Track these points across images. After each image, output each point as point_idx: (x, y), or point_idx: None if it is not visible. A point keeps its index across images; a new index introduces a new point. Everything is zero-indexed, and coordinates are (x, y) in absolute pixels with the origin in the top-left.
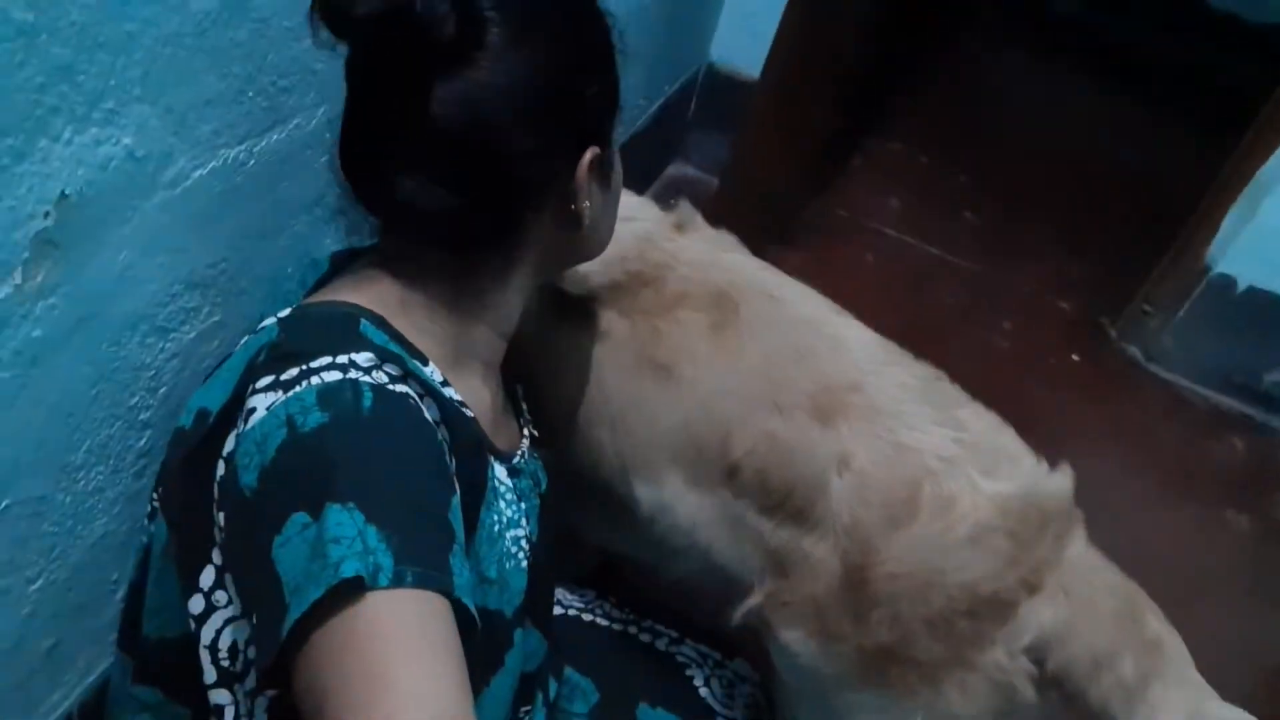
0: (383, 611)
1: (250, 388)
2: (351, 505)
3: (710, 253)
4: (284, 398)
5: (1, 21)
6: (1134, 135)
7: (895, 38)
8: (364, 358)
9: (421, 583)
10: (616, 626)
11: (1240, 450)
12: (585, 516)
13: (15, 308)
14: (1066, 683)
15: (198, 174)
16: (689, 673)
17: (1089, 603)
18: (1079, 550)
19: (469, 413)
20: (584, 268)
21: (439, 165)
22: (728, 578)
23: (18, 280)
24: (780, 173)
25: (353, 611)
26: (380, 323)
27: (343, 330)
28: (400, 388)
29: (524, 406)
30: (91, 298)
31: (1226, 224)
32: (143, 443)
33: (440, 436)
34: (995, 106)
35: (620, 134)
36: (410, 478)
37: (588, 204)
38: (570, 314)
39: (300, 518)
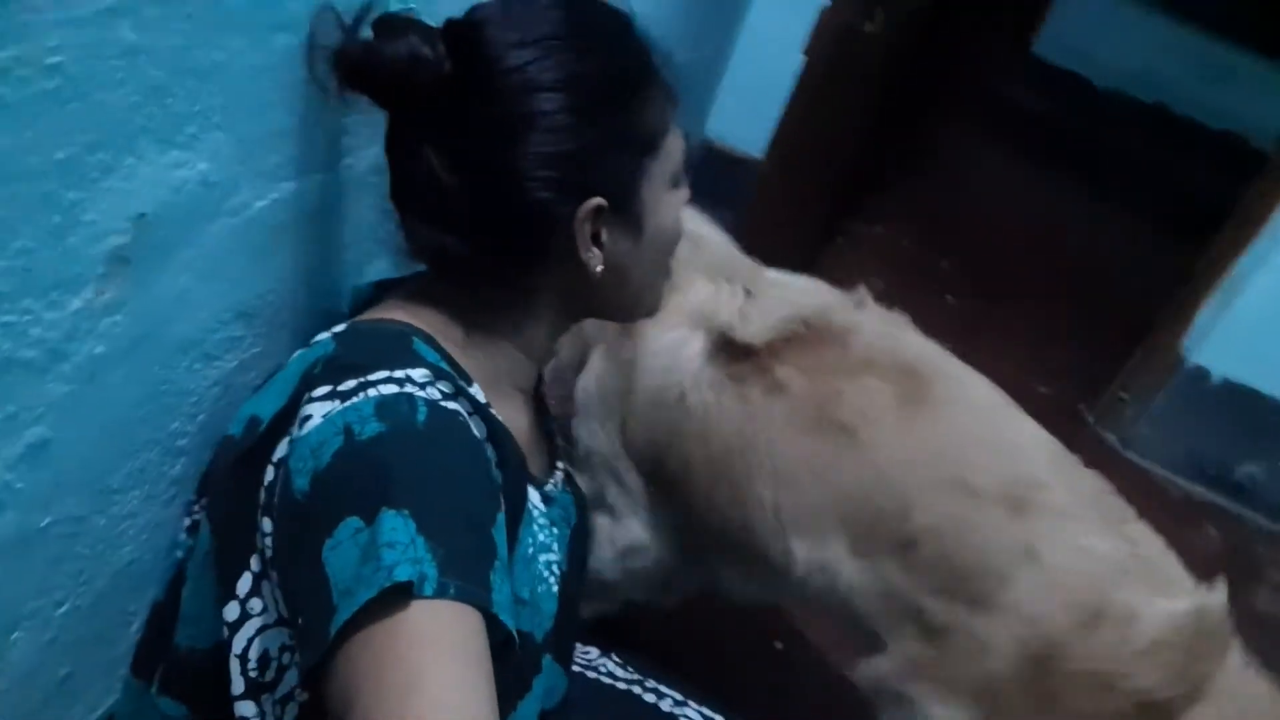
0: (424, 619)
1: (306, 396)
2: (406, 513)
3: (890, 327)
4: (341, 407)
5: (111, 40)
6: (1102, 228)
7: (882, 128)
8: (419, 374)
9: (462, 596)
10: (621, 685)
11: (1216, 539)
12: (721, 566)
13: (83, 322)
14: None
15: (258, 205)
16: None
17: (1244, 715)
18: (1236, 664)
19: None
20: (760, 319)
21: (441, 209)
22: (863, 630)
23: (89, 295)
24: (780, 249)
25: (397, 617)
26: (431, 342)
27: (397, 347)
28: (453, 405)
29: (559, 442)
30: (151, 318)
31: (1201, 317)
32: (176, 469)
33: (488, 453)
34: (973, 197)
35: None
36: (460, 492)
37: (592, 253)
38: (739, 364)
39: (354, 522)
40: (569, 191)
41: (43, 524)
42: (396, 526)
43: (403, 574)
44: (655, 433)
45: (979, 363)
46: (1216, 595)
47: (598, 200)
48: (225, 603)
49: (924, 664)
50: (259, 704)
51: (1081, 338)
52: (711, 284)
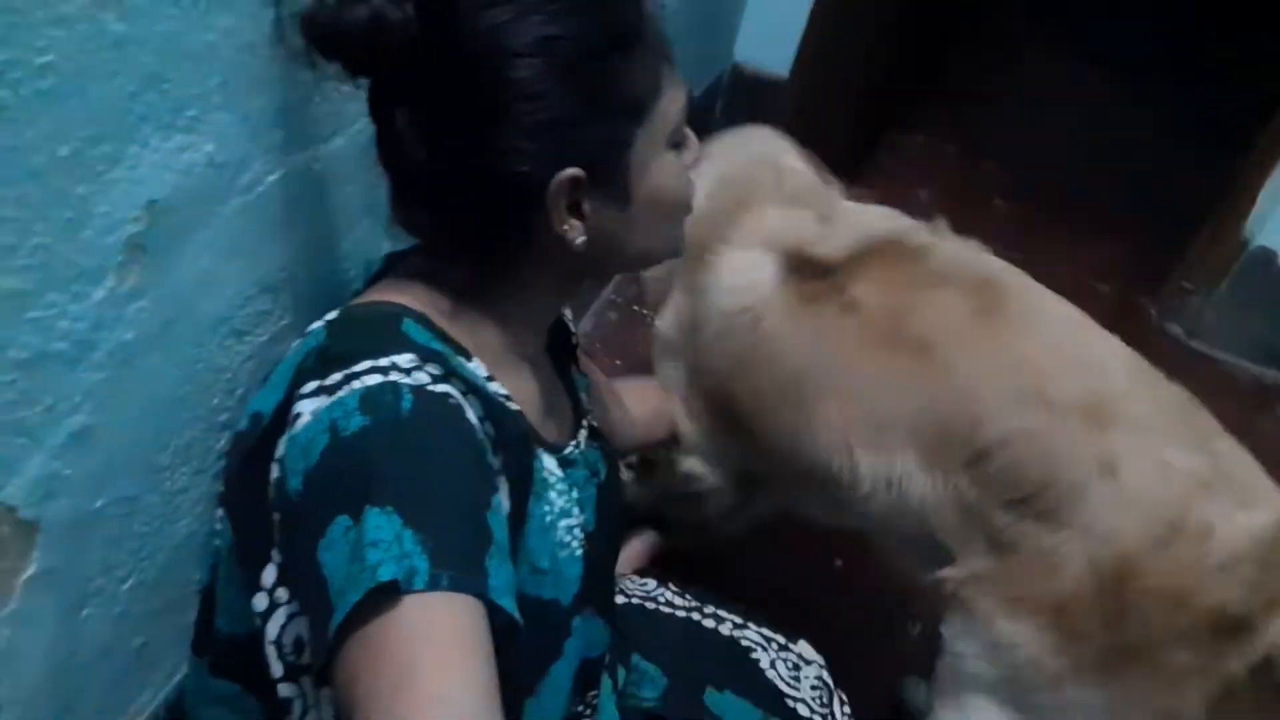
0: (416, 615)
1: (297, 393)
2: (390, 509)
3: (968, 248)
4: (328, 402)
5: (98, 33)
6: (1153, 120)
7: (913, 34)
8: (405, 359)
9: (456, 586)
10: (680, 613)
11: None
12: (789, 489)
13: (109, 310)
14: None
15: (270, 179)
16: (754, 655)
17: None
18: None
19: (514, 406)
20: (836, 240)
21: (415, 181)
22: (933, 547)
23: (111, 284)
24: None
25: (388, 614)
26: (424, 321)
27: (385, 332)
28: (441, 387)
29: (583, 398)
30: (177, 301)
31: (1263, 198)
32: (221, 444)
33: (482, 434)
34: (1014, 97)
35: None
36: (449, 479)
37: (571, 225)
38: (813, 284)
39: (343, 520)
40: (544, 163)
41: (96, 506)
42: (380, 524)
43: (386, 573)
44: (727, 358)
45: (1035, 265)
46: None
47: (573, 172)
48: (253, 594)
49: (992, 578)
50: (299, 684)
51: (1139, 233)
52: (786, 210)
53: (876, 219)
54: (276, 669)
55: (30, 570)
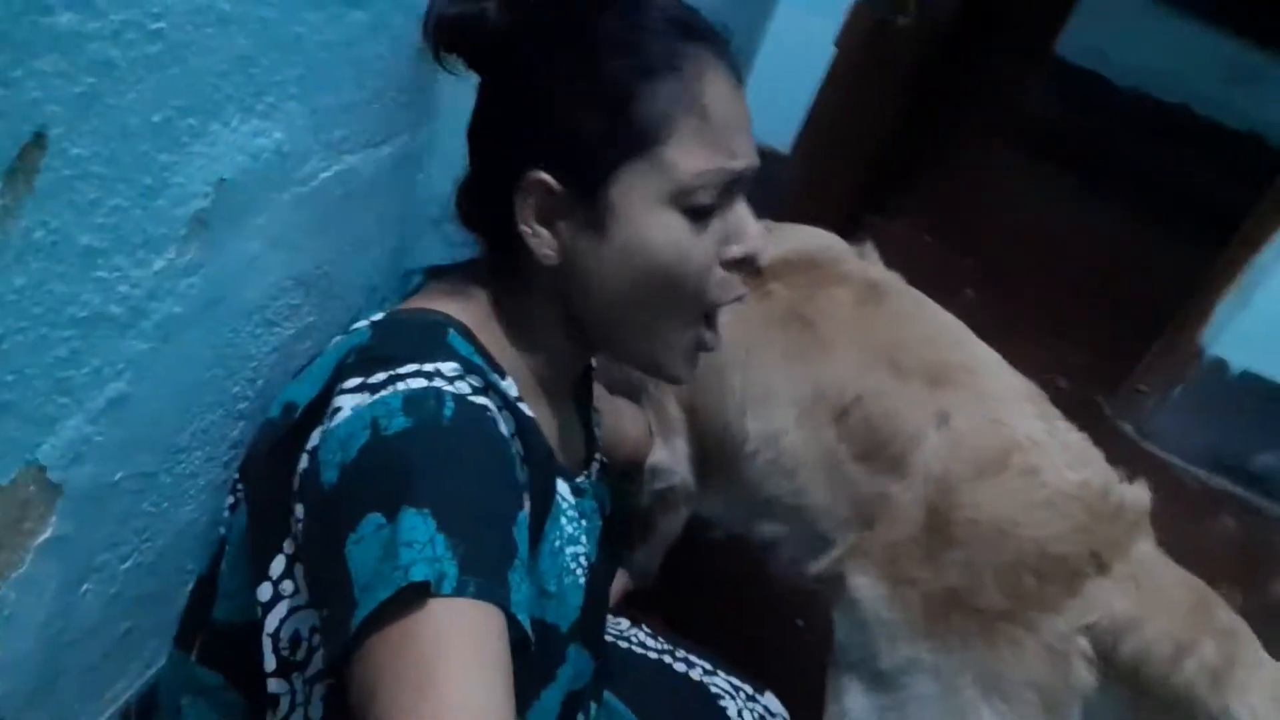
0: (442, 618)
1: (338, 387)
2: (426, 511)
3: (878, 268)
4: (370, 400)
5: (208, 8)
6: (1121, 228)
7: (908, 125)
8: (449, 367)
9: (482, 594)
10: (652, 654)
11: (1233, 529)
12: (698, 467)
13: (165, 281)
14: (1144, 669)
15: (323, 176)
16: (723, 703)
17: (1160, 594)
18: (1149, 549)
19: (541, 428)
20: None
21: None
22: (815, 534)
23: (172, 255)
24: None
25: (415, 615)
26: (467, 334)
27: (431, 339)
28: (481, 400)
29: (597, 433)
30: (224, 282)
31: (1220, 310)
32: (236, 433)
33: (514, 449)
34: (993, 196)
35: None
36: (483, 489)
37: (535, 231)
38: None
39: (376, 518)
40: (520, 156)
41: (115, 478)
42: (416, 525)
43: (419, 574)
44: None
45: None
46: (1137, 488)
47: (541, 174)
48: (259, 583)
49: (855, 542)
50: (289, 681)
51: (1099, 335)
52: None
53: (812, 235)
54: (270, 662)
55: (46, 534)
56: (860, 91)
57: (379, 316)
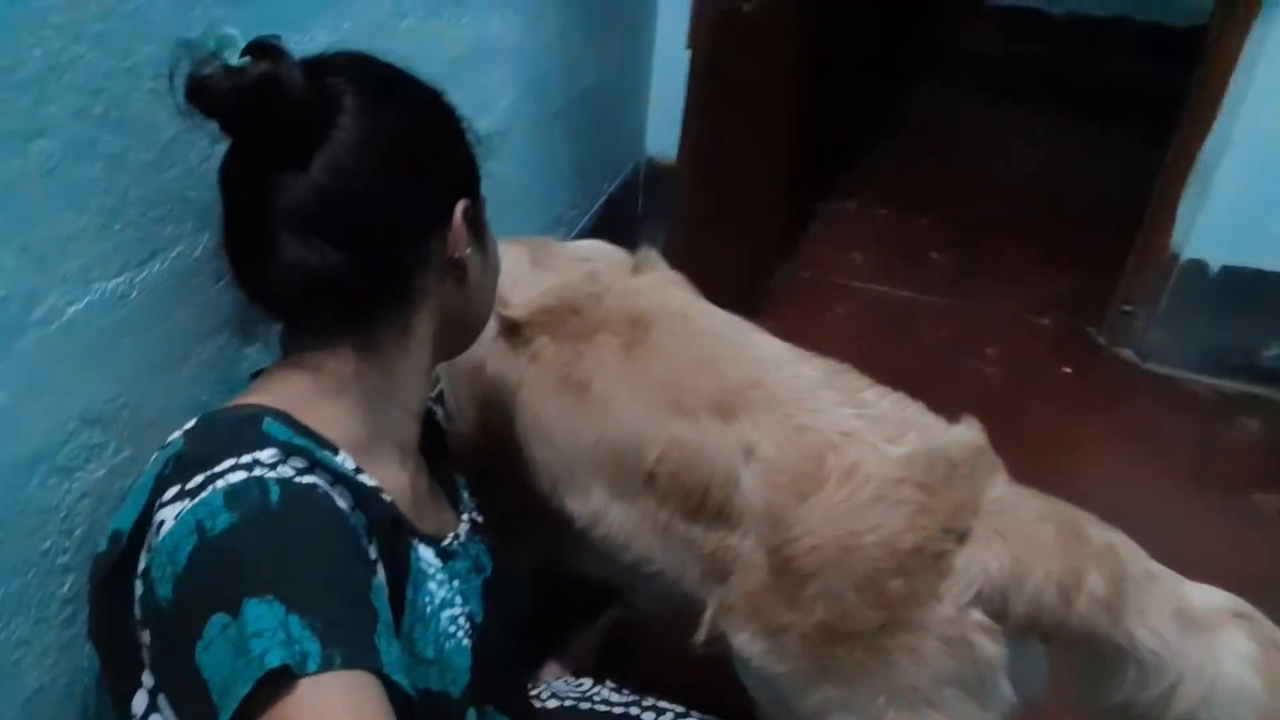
0: (315, 697)
1: (157, 502)
2: (270, 598)
3: (646, 286)
4: (191, 504)
5: None
6: (1081, 151)
7: (827, 102)
8: (268, 454)
9: (350, 663)
10: (618, 709)
11: (1255, 430)
12: (534, 535)
13: None
14: (1041, 619)
15: (73, 309)
16: None
17: (1029, 537)
18: (1001, 491)
19: (386, 497)
20: (522, 296)
21: (318, 222)
22: (682, 595)
23: None
24: (726, 249)
25: (285, 702)
26: (285, 419)
27: (245, 432)
28: (308, 479)
29: (465, 495)
30: None
31: (1182, 209)
32: (65, 589)
33: (356, 521)
34: (943, 150)
35: (563, 236)
36: (327, 562)
37: (469, 251)
38: (511, 340)
39: (220, 619)
40: (443, 191)
41: None
42: (262, 614)
43: (274, 659)
44: (475, 407)
45: (976, 308)
46: (960, 428)
47: (466, 201)
48: None
49: (721, 600)
50: None
51: (1077, 263)
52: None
53: (569, 262)
54: None
55: None
56: (733, 87)
57: (190, 424)
